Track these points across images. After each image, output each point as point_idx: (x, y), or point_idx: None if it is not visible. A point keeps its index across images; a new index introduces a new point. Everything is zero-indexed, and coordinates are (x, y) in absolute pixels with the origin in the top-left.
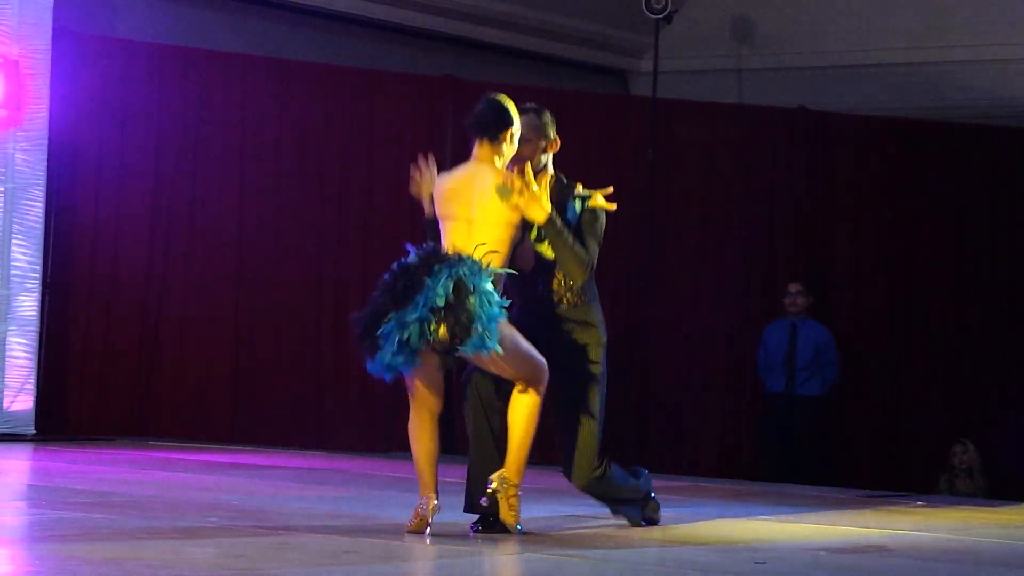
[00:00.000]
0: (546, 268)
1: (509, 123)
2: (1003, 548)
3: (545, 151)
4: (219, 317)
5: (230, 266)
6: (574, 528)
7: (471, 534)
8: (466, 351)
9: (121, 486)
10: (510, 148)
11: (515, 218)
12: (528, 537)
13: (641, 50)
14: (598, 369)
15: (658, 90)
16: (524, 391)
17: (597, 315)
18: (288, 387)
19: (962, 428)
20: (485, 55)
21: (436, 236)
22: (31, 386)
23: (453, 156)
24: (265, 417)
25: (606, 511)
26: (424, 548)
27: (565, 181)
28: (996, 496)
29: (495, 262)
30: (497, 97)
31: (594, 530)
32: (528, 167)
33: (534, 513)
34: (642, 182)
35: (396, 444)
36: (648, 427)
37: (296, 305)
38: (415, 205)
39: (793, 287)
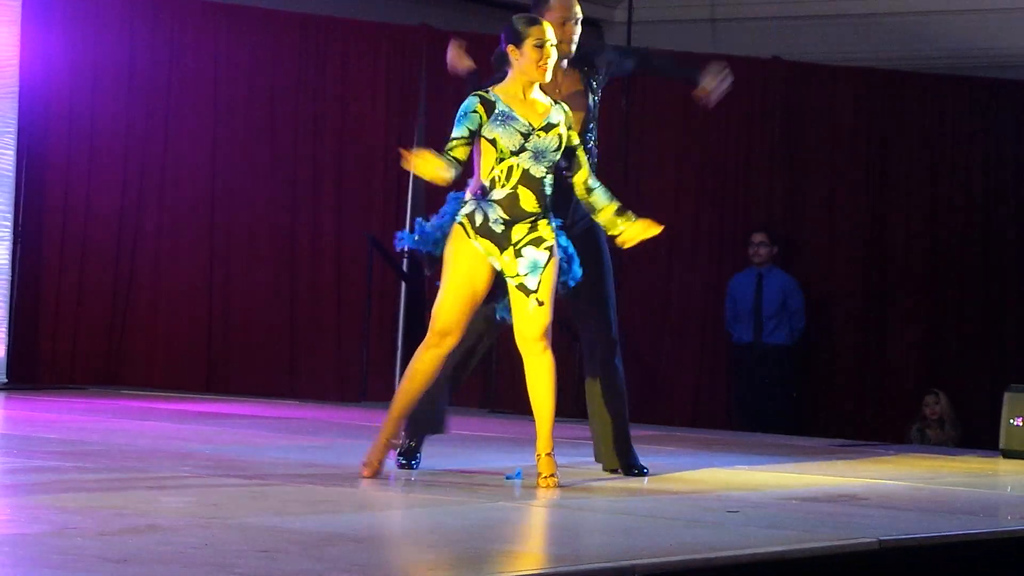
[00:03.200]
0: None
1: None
2: (973, 496)
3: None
4: (192, 266)
5: (203, 215)
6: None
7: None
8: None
9: (93, 435)
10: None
11: None
12: (499, 486)
13: (615, 0)
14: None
15: (632, 40)
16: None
17: None
18: (262, 337)
19: (934, 378)
20: (459, 4)
21: None
22: (3, 334)
23: (428, 105)
24: (239, 366)
25: (580, 460)
26: (392, 497)
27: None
28: (967, 446)
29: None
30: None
31: (567, 480)
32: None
33: (503, 463)
34: (616, 131)
35: (369, 393)
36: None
37: (270, 255)
38: (389, 153)
39: (757, 237)
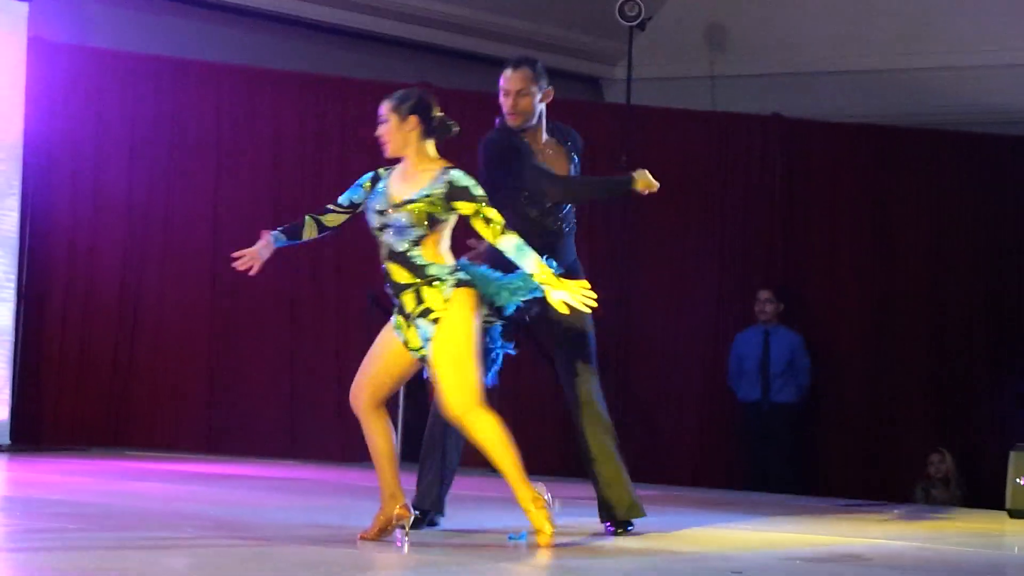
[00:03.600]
0: None
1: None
2: (979, 556)
3: (541, 101)
4: (194, 327)
5: (205, 276)
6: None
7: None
8: None
9: (96, 496)
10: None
11: None
12: (502, 547)
13: (615, 57)
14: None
15: (632, 97)
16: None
17: None
18: (263, 397)
19: (939, 437)
20: (459, 63)
21: None
22: (6, 395)
23: None
24: (241, 427)
25: (583, 520)
26: (397, 559)
27: (563, 129)
28: (972, 506)
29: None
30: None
31: (569, 540)
32: None
33: (505, 523)
34: None
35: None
36: (624, 435)
37: (271, 316)
38: None
39: (763, 294)
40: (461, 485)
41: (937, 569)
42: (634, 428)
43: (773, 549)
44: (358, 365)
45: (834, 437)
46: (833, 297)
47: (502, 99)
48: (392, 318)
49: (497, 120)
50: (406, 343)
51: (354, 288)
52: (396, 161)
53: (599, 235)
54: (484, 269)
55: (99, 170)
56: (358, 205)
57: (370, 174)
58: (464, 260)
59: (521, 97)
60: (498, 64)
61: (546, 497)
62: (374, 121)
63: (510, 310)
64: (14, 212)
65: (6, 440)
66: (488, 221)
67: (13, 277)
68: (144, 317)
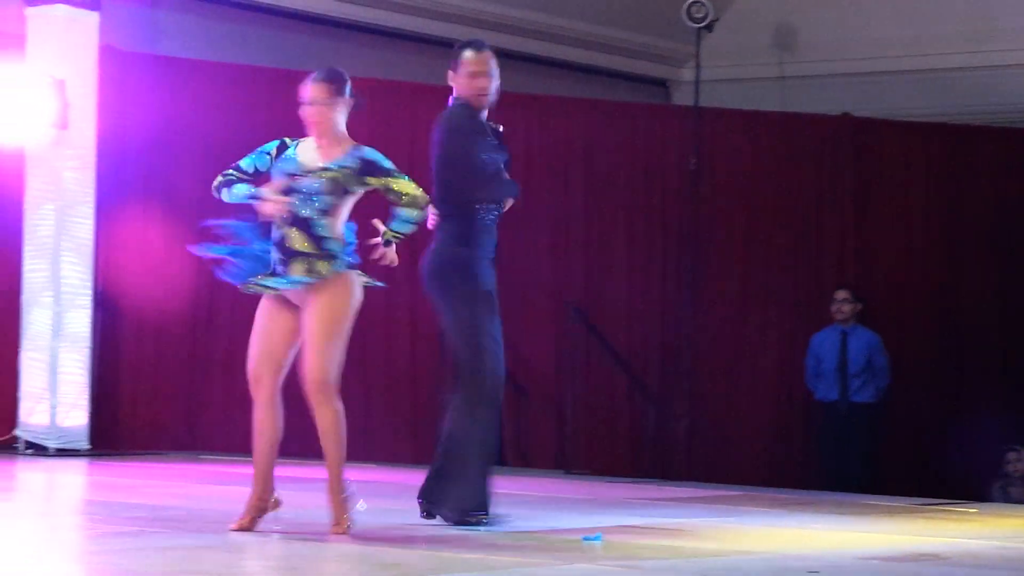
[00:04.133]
0: None
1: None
2: None
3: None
4: None
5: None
6: (625, 538)
7: None
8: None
9: (174, 500)
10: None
11: None
12: (576, 548)
13: (682, 59)
14: None
15: (700, 99)
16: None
17: None
18: None
19: (1016, 434)
20: (528, 67)
21: None
22: (84, 402)
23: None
24: (313, 429)
25: (658, 520)
26: (470, 559)
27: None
28: None
29: None
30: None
31: (645, 540)
32: None
33: (579, 524)
34: (685, 192)
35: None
36: (697, 436)
37: None
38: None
39: (840, 294)
40: (533, 487)
41: (1018, 568)
42: (707, 429)
43: (849, 549)
44: (432, 367)
45: (910, 436)
46: (905, 296)
47: (478, 80)
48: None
49: (451, 100)
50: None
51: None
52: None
53: (671, 235)
54: None
55: (171, 176)
56: (262, 173)
57: (276, 142)
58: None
59: (495, 81)
60: (566, 68)
61: (353, 493)
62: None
63: None
64: (88, 220)
65: (86, 445)
66: (397, 193)
67: (89, 284)
68: (219, 321)
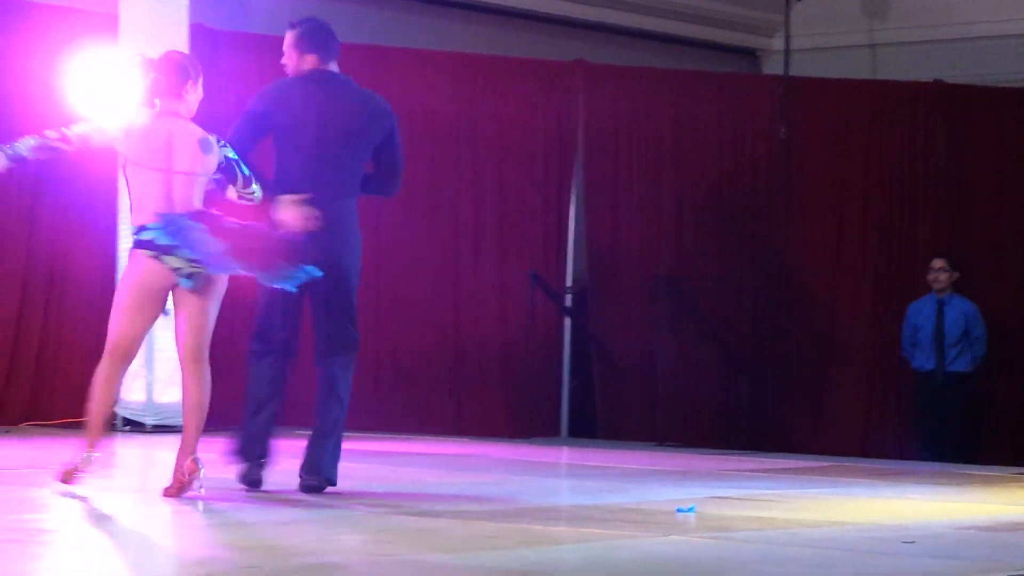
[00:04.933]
0: None
1: (188, 76)
2: None
3: None
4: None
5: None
6: (718, 509)
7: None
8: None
9: (269, 475)
10: (194, 98)
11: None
12: (669, 520)
13: (772, 28)
14: None
15: (790, 68)
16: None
17: None
18: (429, 375)
19: None
20: (614, 38)
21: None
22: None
23: (585, 139)
24: (406, 406)
25: (751, 492)
26: (562, 532)
27: None
28: None
29: None
30: (176, 52)
31: (738, 512)
32: None
33: (672, 496)
34: (776, 162)
35: (538, 430)
36: (790, 407)
37: (433, 294)
38: (548, 190)
39: (937, 263)
40: (625, 459)
41: None
42: (800, 399)
43: (946, 519)
44: (520, 342)
45: (1007, 405)
46: (1000, 263)
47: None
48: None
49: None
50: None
51: (516, 266)
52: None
53: (761, 205)
54: None
55: (262, 156)
56: None
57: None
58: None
59: None
60: (654, 39)
61: (200, 465)
62: (529, 99)
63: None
64: None
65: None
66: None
67: None
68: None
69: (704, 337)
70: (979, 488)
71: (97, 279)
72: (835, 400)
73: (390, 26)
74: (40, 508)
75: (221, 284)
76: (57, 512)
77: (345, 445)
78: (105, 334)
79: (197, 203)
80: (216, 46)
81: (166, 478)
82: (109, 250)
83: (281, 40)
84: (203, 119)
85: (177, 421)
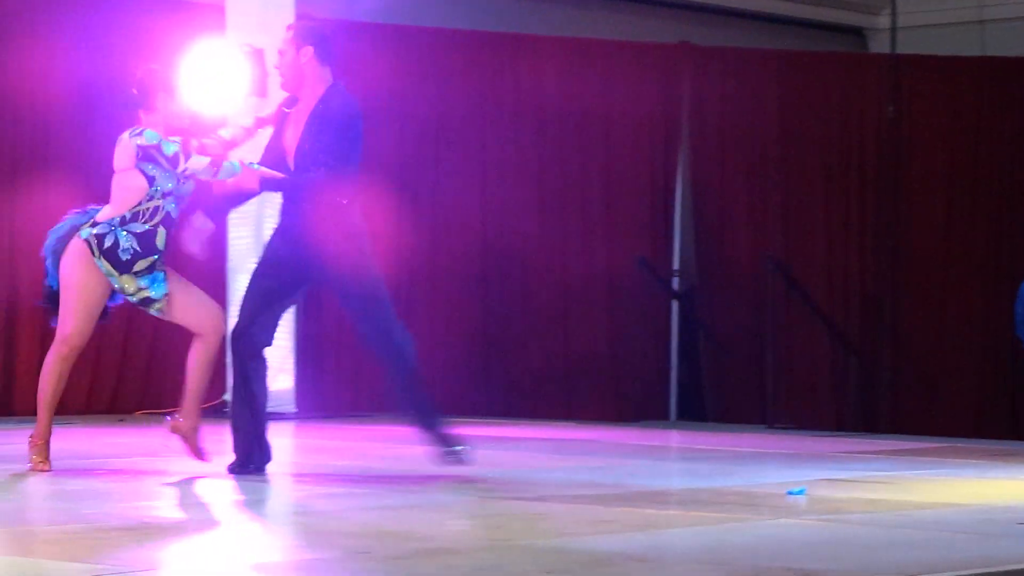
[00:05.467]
0: None
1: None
2: None
3: None
4: (466, 296)
5: (475, 244)
6: (829, 492)
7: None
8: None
9: (380, 461)
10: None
11: None
12: (780, 502)
13: (879, 6)
14: None
15: (897, 46)
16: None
17: None
18: (539, 361)
19: None
20: (719, 19)
21: None
22: (291, 366)
23: (691, 121)
24: (517, 390)
25: (862, 473)
26: (674, 516)
27: None
28: None
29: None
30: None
31: (849, 494)
32: None
33: (783, 478)
34: (883, 140)
35: (647, 413)
36: (901, 388)
37: (543, 280)
38: (654, 175)
39: None
40: (735, 442)
41: None
42: (912, 380)
43: None
44: (629, 326)
45: None
46: None
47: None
48: (99, 264)
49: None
50: (121, 289)
51: (624, 251)
52: None
53: (869, 185)
54: None
55: (367, 141)
56: None
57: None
58: None
59: None
60: (759, 19)
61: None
62: (636, 84)
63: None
64: None
65: (293, 409)
66: None
67: None
68: (419, 281)
69: (814, 319)
70: None
71: (208, 272)
72: (947, 380)
73: (498, 13)
74: (154, 496)
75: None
76: (170, 500)
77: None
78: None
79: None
80: None
81: (281, 463)
82: (220, 243)
83: (387, 28)
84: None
85: (287, 408)
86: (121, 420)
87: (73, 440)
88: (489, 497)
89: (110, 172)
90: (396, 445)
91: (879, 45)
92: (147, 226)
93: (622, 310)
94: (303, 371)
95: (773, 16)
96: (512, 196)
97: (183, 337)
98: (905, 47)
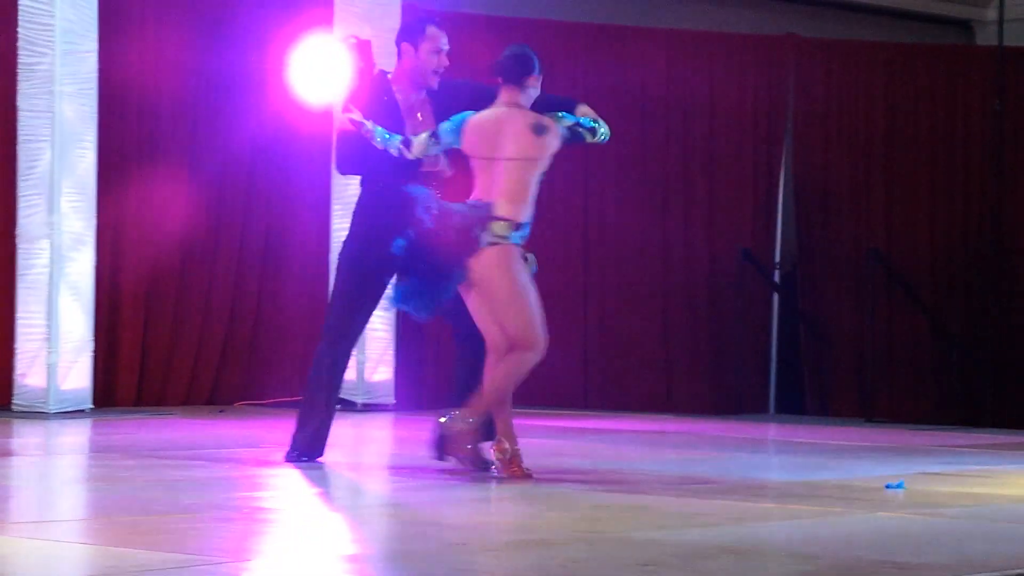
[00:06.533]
0: None
1: (531, 70)
2: None
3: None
4: (566, 291)
5: (575, 235)
6: (928, 486)
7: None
8: None
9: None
10: (534, 91)
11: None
12: (878, 496)
13: None
14: None
15: (1004, 39)
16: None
17: None
18: (637, 353)
19: None
20: (825, 11)
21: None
22: (390, 358)
23: (795, 113)
24: (616, 382)
25: (962, 468)
26: (770, 509)
27: None
28: None
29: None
30: (520, 46)
31: (948, 488)
32: None
33: (881, 472)
34: (989, 134)
35: (746, 406)
36: (1004, 381)
37: (643, 271)
38: (757, 167)
39: None
40: (834, 435)
41: None
42: (1015, 374)
43: None
44: (729, 318)
45: None
46: None
47: (443, 57)
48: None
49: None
50: None
51: (724, 241)
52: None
53: (974, 178)
54: None
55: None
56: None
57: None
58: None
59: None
60: (865, 11)
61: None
62: (741, 75)
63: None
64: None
65: (392, 400)
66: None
67: None
68: None
69: (915, 312)
70: None
71: (311, 263)
72: None
73: (603, 5)
74: (256, 486)
75: None
76: (272, 491)
77: (554, 423)
78: (318, 317)
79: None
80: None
81: (378, 455)
82: (322, 236)
83: (491, 19)
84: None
85: (387, 400)
86: (221, 411)
87: (173, 431)
88: (586, 489)
89: (213, 165)
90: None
91: (986, 38)
92: None
93: (723, 301)
94: (402, 363)
95: (880, 8)
96: (614, 186)
97: (285, 330)
98: (1012, 40)
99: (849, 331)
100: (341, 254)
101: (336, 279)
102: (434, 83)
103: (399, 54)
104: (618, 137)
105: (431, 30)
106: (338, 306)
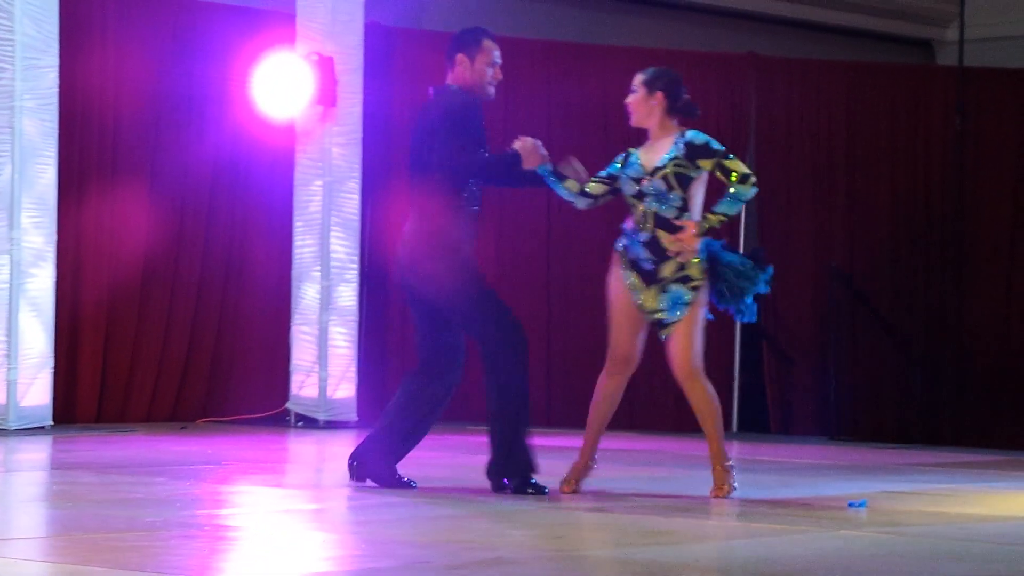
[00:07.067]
0: None
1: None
2: None
3: None
4: (531, 305)
5: (539, 256)
6: (890, 504)
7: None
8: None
9: (441, 470)
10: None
11: None
12: (841, 514)
13: (946, 19)
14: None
15: (965, 59)
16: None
17: None
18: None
19: None
20: (785, 31)
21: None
22: (353, 374)
23: (757, 131)
24: (575, 400)
25: (924, 486)
26: (733, 527)
27: None
28: None
29: None
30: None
31: (910, 506)
32: None
33: (844, 490)
34: (949, 153)
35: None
36: (965, 401)
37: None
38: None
39: None
40: (796, 453)
41: None
42: (977, 393)
43: None
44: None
45: None
46: None
47: (498, 71)
48: (626, 281)
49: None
50: (641, 305)
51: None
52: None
53: (935, 196)
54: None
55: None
56: (616, 178)
57: (622, 154)
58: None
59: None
60: (825, 31)
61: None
62: (701, 92)
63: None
64: (355, 195)
65: (354, 417)
66: (727, 172)
67: (356, 259)
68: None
69: (878, 330)
70: None
71: (273, 280)
72: (1012, 393)
73: (564, 22)
74: (219, 503)
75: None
76: (235, 508)
77: None
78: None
79: None
80: (391, 44)
81: (341, 472)
82: (284, 252)
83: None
84: (378, 116)
85: (349, 417)
86: (183, 428)
87: (135, 448)
88: (548, 506)
89: (174, 180)
90: (459, 453)
91: (947, 57)
92: (647, 234)
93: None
94: (364, 380)
95: (840, 28)
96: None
97: (246, 346)
98: (973, 60)
99: (812, 349)
100: (450, 289)
101: (470, 316)
102: (491, 95)
103: (452, 65)
104: (580, 153)
105: (487, 43)
106: (492, 325)
